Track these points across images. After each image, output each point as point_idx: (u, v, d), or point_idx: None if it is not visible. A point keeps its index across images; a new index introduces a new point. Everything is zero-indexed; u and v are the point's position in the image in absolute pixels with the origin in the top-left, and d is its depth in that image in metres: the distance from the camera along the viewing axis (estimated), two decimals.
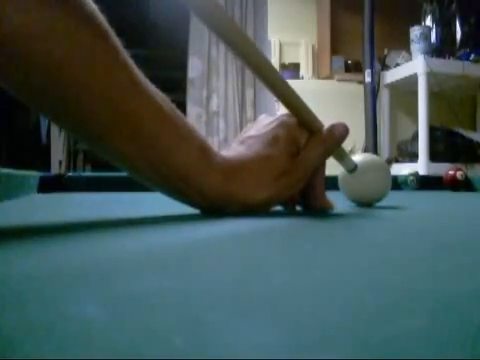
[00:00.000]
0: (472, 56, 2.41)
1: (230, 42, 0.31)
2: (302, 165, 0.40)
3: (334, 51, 2.74)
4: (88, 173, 1.91)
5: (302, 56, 2.86)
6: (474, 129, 2.76)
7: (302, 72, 2.80)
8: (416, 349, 0.09)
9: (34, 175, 0.87)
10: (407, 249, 0.23)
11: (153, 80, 0.33)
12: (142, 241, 0.25)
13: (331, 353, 0.08)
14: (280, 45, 2.84)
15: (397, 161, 2.53)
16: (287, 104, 0.38)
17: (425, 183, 1.14)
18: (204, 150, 0.36)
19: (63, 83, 0.29)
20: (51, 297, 0.12)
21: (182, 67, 2.97)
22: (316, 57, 2.88)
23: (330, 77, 2.73)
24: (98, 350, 0.08)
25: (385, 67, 2.63)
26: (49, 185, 0.89)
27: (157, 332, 0.09)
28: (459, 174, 1.12)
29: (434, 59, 2.38)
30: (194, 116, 2.85)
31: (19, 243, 0.23)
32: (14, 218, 0.40)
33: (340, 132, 0.41)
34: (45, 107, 0.31)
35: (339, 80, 2.70)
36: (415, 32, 2.45)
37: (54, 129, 2.66)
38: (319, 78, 2.81)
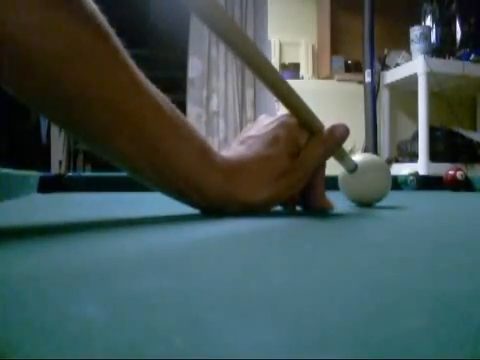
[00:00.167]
0: (472, 56, 2.42)
1: (230, 42, 0.31)
2: (302, 165, 0.40)
3: (334, 51, 2.74)
4: (88, 173, 1.91)
5: (302, 56, 2.86)
6: (474, 129, 2.76)
7: (302, 72, 2.80)
8: (416, 349, 0.09)
9: (34, 175, 0.87)
10: (407, 249, 0.23)
11: (153, 80, 0.33)
12: (142, 241, 0.25)
13: (331, 353, 0.08)
14: (280, 45, 2.84)
15: (397, 161, 2.53)
16: (287, 104, 0.38)
17: (425, 183, 1.14)
18: (204, 150, 0.36)
19: (63, 83, 0.29)
20: (51, 297, 0.12)
21: (182, 67, 2.97)
22: (316, 57, 2.88)
23: (330, 77, 2.73)
24: (98, 350, 0.08)
25: (385, 67, 2.63)
26: (49, 185, 0.89)
27: (157, 332, 0.09)
28: (459, 174, 1.12)
29: (434, 59, 2.38)
30: (194, 116, 2.85)
31: (19, 243, 0.23)
32: (14, 218, 0.40)
33: (340, 133, 0.41)
34: (45, 107, 0.31)
35: (339, 80, 2.70)
36: (415, 32, 2.45)
37: (54, 129, 2.66)
38: (319, 78, 2.81)
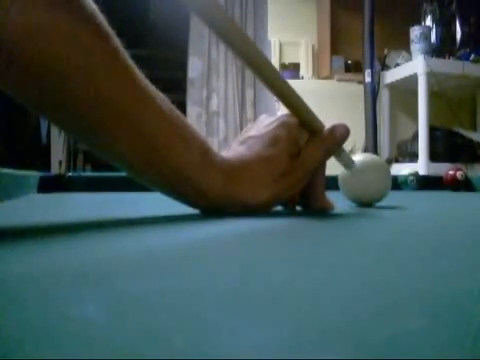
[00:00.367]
0: (472, 56, 2.41)
1: (231, 42, 0.31)
2: (302, 165, 0.40)
3: (334, 51, 2.74)
4: (88, 173, 1.91)
5: (302, 56, 2.86)
6: (474, 129, 2.76)
7: (302, 72, 2.80)
8: (416, 349, 0.09)
9: (34, 175, 0.87)
10: (407, 249, 0.23)
11: (153, 80, 0.33)
12: (142, 241, 0.25)
13: (331, 353, 0.08)
14: (280, 45, 2.84)
15: (397, 161, 2.53)
16: (288, 104, 0.38)
17: (425, 183, 1.14)
18: (204, 151, 0.36)
19: (63, 84, 0.29)
20: (51, 297, 0.12)
21: (182, 67, 2.97)
22: (316, 57, 2.88)
23: (330, 77, 2.73)
24: (98, 350, 0.08)
25: (385, 67, 2.63)
26: (49, 185, 0.89)
27: (157, 332, 0.09)
28: (459, 174, 1.12)
29: (434, 59, 2.38)
30: (194, 116, 2.85)
31: (19, 243, 0.23)
32: (14, 218, 0.40)
33: (341, 133, 0.41)
34: (44, 108, 0.31)
35: (339, 80, 2.70)
36: (415, 32, 2.45)
37: (54, 129, 2.66)
38: (319, 78, 2.81)
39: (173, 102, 0.35)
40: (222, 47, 2.86)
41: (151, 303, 0.12)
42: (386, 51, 2.62)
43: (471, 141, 2.46)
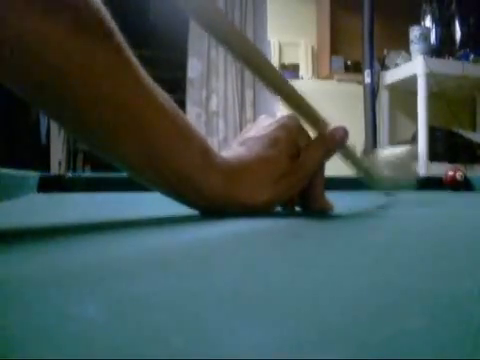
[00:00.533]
0: (472, 56, 2.42)
1: (231, 46, 0.30)
2: (302, 167, 0.40)
3: (334, 51, 2.74)
4: (88, 173, 1.91)
5: (302, 56, 2.86)
6: (474, 129, 2.76)
7: (302, 72, 2.80)
8: (416, 349, 0.09)
9: (34, 175, 0.87)
10: (407, 249, 0.23)
11: (153, 80, 0.33)
12: (142, 241, 0.25)
13: (331, 353, 0.08)
14: (280, 45, 2.84)
15: None
16: (291, 105, 0.38)
17: (425, 183, 1.14)
18: (205, 151, 0.36)
19: (63, 80, 0.29)
20: (51, 297, 0.12)
21: (182, 67, 2.97)
22: (316, 57, 2.88)
23: (330, 77, 2.73)
24: (98, 350, 0.08)
25: (385, 67, 2.63)
26: (49, 185, 0.89)
27: (157, 332, 0.09)
28: (458, 175, 1.12)
29: (434, 59, 2.38)
30: (194, 116, 2.85)
31: (19, 243, 0.23)
32: (14, 218, 0.40)
33: (340, 135, 0.41)
34: (44, 103, 0.31)
35: (339, 80, 2.70)
36: (415, 32, 2.45)
37: (54, 129, 2.66)
38: (319, 78, 2.81)
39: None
40: (221, 48, 2.86)
41: (151, 303, 0.12)
42: (386, 51, 2.62)
43: (471, 141, 2.46)
